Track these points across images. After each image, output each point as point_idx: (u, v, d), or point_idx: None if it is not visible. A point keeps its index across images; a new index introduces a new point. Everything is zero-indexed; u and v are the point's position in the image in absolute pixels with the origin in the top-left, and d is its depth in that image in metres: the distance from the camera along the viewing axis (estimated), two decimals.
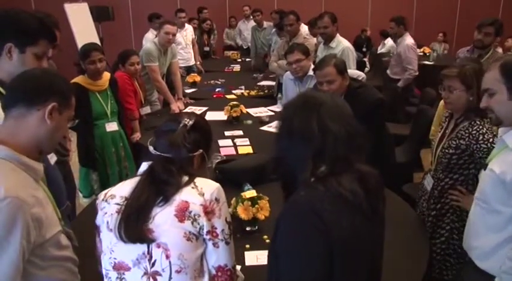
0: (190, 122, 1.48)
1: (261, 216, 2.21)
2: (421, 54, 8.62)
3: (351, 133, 1.25)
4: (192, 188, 1.41)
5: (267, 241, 2.15)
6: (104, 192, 1.49)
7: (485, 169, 1.83)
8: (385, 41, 9.37)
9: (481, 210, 1.82)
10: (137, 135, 3.95)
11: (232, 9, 10.35)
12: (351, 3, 10.60)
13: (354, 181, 1.23)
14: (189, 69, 6.72)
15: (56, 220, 1.47)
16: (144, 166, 1.49)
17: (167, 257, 1.36)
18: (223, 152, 3.38)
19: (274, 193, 2.33)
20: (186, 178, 1.43)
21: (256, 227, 2.24)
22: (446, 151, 2.33)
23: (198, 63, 7.12)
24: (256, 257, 1.97)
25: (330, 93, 1.45)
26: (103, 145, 3.55)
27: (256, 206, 2.22)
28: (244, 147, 3.54)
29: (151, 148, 1.47)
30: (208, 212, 1.38)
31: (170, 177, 1.41)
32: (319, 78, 2.92)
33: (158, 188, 1.40)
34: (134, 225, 1.35)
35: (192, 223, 1.36)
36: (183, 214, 1.36)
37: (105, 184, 3.53)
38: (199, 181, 1.44)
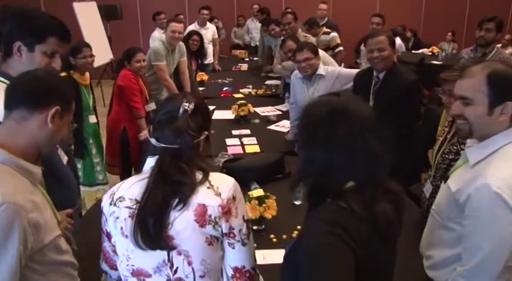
0: (191, 106, 1.34)
1: (268, 215, 2.20)
2: (430, 53, 8.59)
3: (387, 150, 1.20)
4: (208, 188, 1.31)
5: (274, 240, 2.15)
6: (107, 194, 1.38)
7: (445, 182, 1.72)
8: None
9: (435, 222, 1.75)
10: (144, 134, 3.96)
11: (240, 8, 10.36)
12: (359, 2, 10.58)
13: (389, 208, 1.19)
14: (204, 67, 6.66)
15: (54, 224, 1.43)
16: (150, 162, 1.35)
17: (189, 263, 1.30)
18: (231, 151, 3.39)
19: (281, 192, 2.34)
20: (199, 176, 1.32)
21: (263, 226, 2.24)
22: (446, 156, 2.23)
23: (216, 62, 7.13)
24: (263, 257, 1.97)
25: (360, 101, 1.38)
26: (88, 135, 3.75)
27: (264, 205, 2.21)
28: (252, 146, 3.54)
29: (153, 141, 1.34)
30: (226, 213, 1.29)
31: (183, 176, 1.29)
32: (370, 46, 3.10)
33: (172, 189, 1.28)
34: (152, 232, 1.26)
35: (214, 227, 1.28)
36: (203, 218, 1.27)
37: (90, 172, 3.78)
38: (214, 178, 1.34)
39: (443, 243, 1.69)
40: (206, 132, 1.39)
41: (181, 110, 1.32)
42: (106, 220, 1.36)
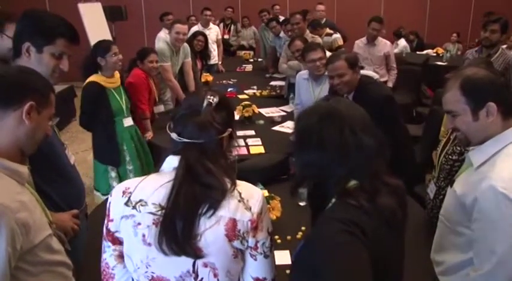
0: (216, 99, 1.28)
1: (273, 216, 2.20)
2: (434, 54, 8.57)
3: (380, 145, 1.24)
4: (239, 201, 1.26)
5: (278, 241, 2.15)
6: (119, 191, 1.31)
7: (451, 186, 1.73)
8: (398, 42, 9.31)
9: (445, 228, 1.74)
10: (149, 134, 3.98)
11: (245, 9, 10.36)
12: (363, 3, 10.57)
13: (390, 198, 1.22)
14: (209, 68, 6.65)
15: (45, 223, 1.41)
16: (172, 162, 1.29)
17: (215, 275, 1.27)
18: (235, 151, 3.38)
19: (285, 193, 2.33)
20: (228, 183, 1.27)
21: None
22: (450, 157, 2.23)
23: (220, 63, 7.14)
24: None
25: (349, 102, 1.43)
26: (122, 141, 3.58)
27: (268, 206, 2.21)
28: (256, 147, 3.54)
29: (174, 136, 1.27)
30: (255, 228, 1.26)
31: (211, 178, 1.24)
32: (330, 72, 2.98)
33: (201, 191, 1.23)
34: (180, 235, 1.21)
35: (241, 241, 1.26)
36: (233, 233, 1.24)
37: (125, 180, 3.54)
38: (243, 189, 1.30)
39: (454, 248, 1.68)
40: (230, 129, 1.33)
41: (205, 103, 1.27)
42: (113, 220, 1.30)
